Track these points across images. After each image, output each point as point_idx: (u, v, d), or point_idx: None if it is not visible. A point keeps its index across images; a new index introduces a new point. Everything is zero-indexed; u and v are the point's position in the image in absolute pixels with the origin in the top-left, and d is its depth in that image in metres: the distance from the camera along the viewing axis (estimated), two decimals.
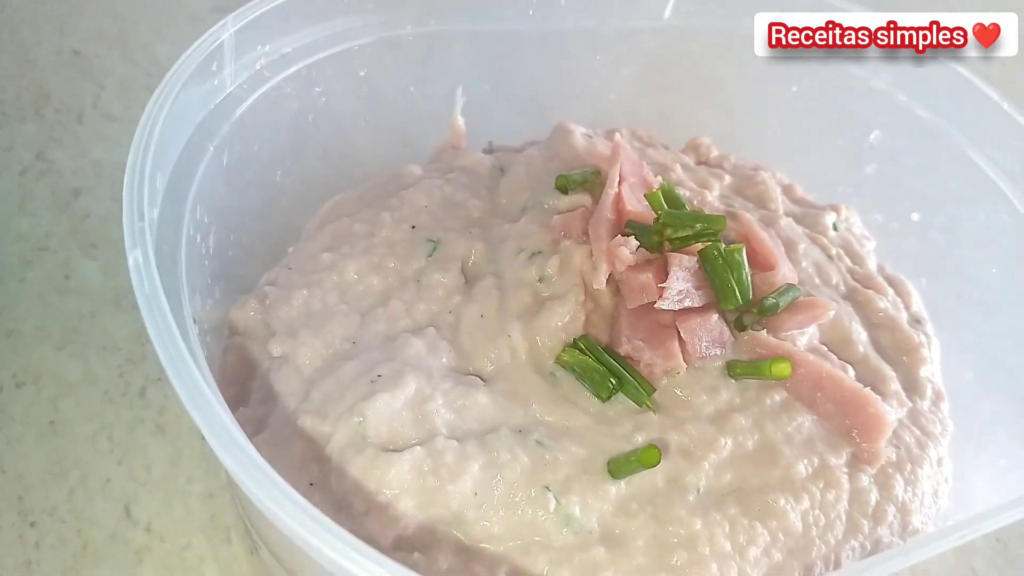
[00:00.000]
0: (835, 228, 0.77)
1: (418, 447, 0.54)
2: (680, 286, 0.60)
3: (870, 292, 0.72)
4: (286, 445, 0.57)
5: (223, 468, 0.70)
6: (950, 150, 0.74)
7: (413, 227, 0.66)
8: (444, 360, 0.60)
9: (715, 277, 0.61)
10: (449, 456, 0.54)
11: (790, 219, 0.74)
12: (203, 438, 0.71)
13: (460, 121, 0.74)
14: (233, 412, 0.60)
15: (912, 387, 0.68)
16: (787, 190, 0.81)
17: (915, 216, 0.79)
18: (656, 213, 0.62)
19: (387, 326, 0.61)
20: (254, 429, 0.59)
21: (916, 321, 0.76)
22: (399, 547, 0.53)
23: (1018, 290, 0.72)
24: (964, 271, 0.76)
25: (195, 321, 0.51)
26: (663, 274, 0.60)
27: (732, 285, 0.61)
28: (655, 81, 0.78)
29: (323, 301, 0.62)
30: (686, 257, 0.61)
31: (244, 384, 0.63)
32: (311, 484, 0.55)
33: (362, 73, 0.66)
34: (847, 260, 0.74)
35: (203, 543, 0.66)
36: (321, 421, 0.56)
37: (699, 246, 0.62)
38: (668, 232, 0.61)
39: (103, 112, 0.94)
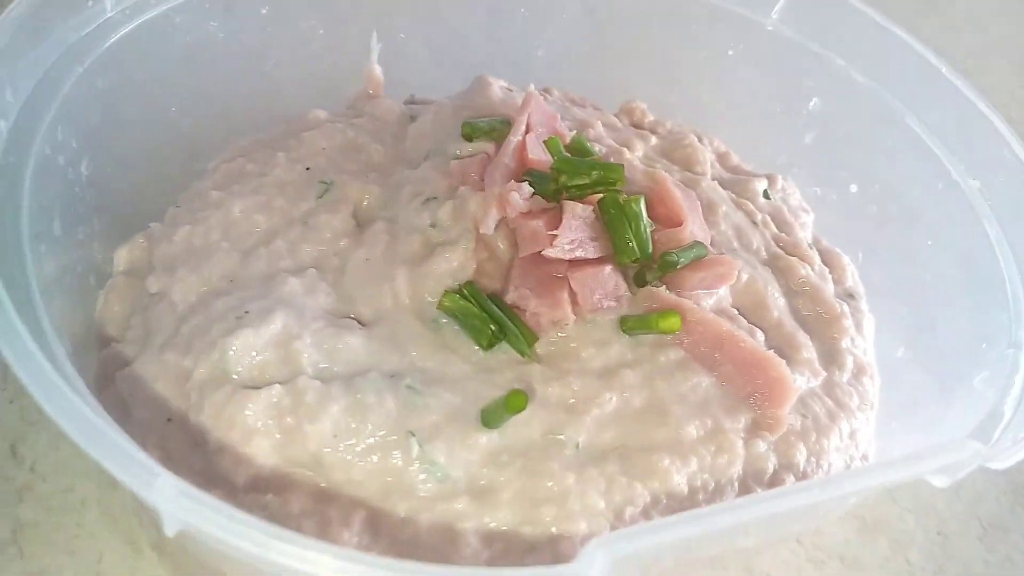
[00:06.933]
0: (766, 196, 0.74)
1: (278, 385, 0.52)
2: (572, 235, 0.58)
3: (793, 259, 0.69)
4: (151, 381, 0.55)
5: None
6: (886, 116, 0.71)
7: (308, 168, 0.64)
8: (322, 302, 0.58)
9: (612, 228, 0.59)
10: (310, 396, 0.52)
11: (715, 183, 0.71)
12: None
13: (377, 69, 0.72)
14: (104, 348, 0.59)
15: (830, 358, 0.65)
16: (722, 158, 0.79)
17: (853, 188, 0.76)
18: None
19: (268, 265, 0.59)
20: (120, 365, 0.57)
21: (850, 296, 0.73)
22: (253, 488, 0.51)
23: (949, 262, 0.69)
24: (898, 244, 0.73)
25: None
26: (558, 223, 0.58)
27: (629, 237, 0.59)
28: (585, 41, 0.76)
29: (205, 238, 0.61)
30: (580, 206, 0.58)
31: (125, 321, 0.61)
32: (168, 420, 0.54)
33: (264, 11, 0.64)
34: (773, 227, 0.71)
35: (87, 486, 0.64)
36: (184, 356, 0.54)
37: (598, 196, 0.59)
38: (563, 179, 0.59)
39: None
